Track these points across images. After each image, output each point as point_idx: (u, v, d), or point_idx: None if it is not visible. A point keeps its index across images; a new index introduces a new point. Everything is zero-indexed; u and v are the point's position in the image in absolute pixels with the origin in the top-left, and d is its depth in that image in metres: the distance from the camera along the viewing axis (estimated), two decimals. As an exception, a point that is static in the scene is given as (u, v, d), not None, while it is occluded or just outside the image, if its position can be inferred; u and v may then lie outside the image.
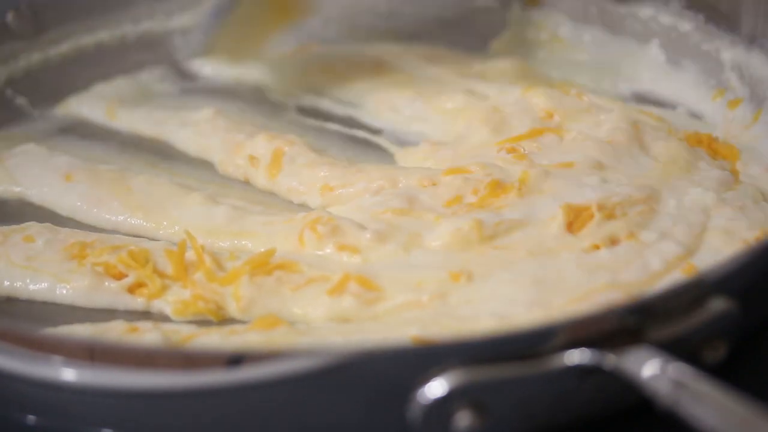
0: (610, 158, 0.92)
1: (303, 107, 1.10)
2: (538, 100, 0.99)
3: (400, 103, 1.07)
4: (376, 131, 1.05)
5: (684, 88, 1.08)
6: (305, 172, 0.95)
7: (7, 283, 0.85)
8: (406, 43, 1.18)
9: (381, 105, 1.07)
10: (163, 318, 0.82)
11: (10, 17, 1.12)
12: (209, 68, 1.18)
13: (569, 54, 1.17)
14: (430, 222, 0.86)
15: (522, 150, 0.93)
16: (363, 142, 1.04)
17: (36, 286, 0.85)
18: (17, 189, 0.97)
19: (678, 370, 0.62)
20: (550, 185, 0.89)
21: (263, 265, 0.83)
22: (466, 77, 1.09)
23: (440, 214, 0.87)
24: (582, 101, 1.00)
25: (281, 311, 0.81)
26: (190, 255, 0.85)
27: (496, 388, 0.63)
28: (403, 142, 1.03)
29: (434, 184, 0.90)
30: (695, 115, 1.05)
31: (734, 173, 0.93)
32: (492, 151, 0.94)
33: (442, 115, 1.04)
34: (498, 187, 0.89)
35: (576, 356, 0.63)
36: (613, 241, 0.83)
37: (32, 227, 0.90)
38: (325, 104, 1.10)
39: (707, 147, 0.96)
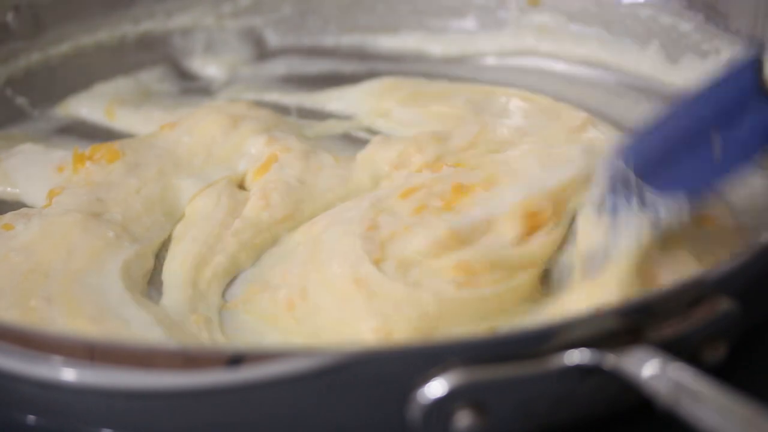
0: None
1: (303, 108, 1.10)
2: None
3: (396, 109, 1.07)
4: (375, 132, 1.05)
5: (684, 87, 1.08)
6: None
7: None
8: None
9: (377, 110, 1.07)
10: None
11: (10, 17, 1.12)
12: (209, 68, 1.18)
13: None
14: None
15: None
16: (363, 142, 1.03)
17: None
18: (15, 190, 0.97)
19: (678, 370, 0.62)
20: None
21: None
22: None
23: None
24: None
25: None
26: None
27: (497, 388, 0.63)
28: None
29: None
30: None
31: None
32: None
33: (436, 118, 1.04)
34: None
35: (576, 356, 0.63)
36: None
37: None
38: (326, 105, 1.10)
39: None
